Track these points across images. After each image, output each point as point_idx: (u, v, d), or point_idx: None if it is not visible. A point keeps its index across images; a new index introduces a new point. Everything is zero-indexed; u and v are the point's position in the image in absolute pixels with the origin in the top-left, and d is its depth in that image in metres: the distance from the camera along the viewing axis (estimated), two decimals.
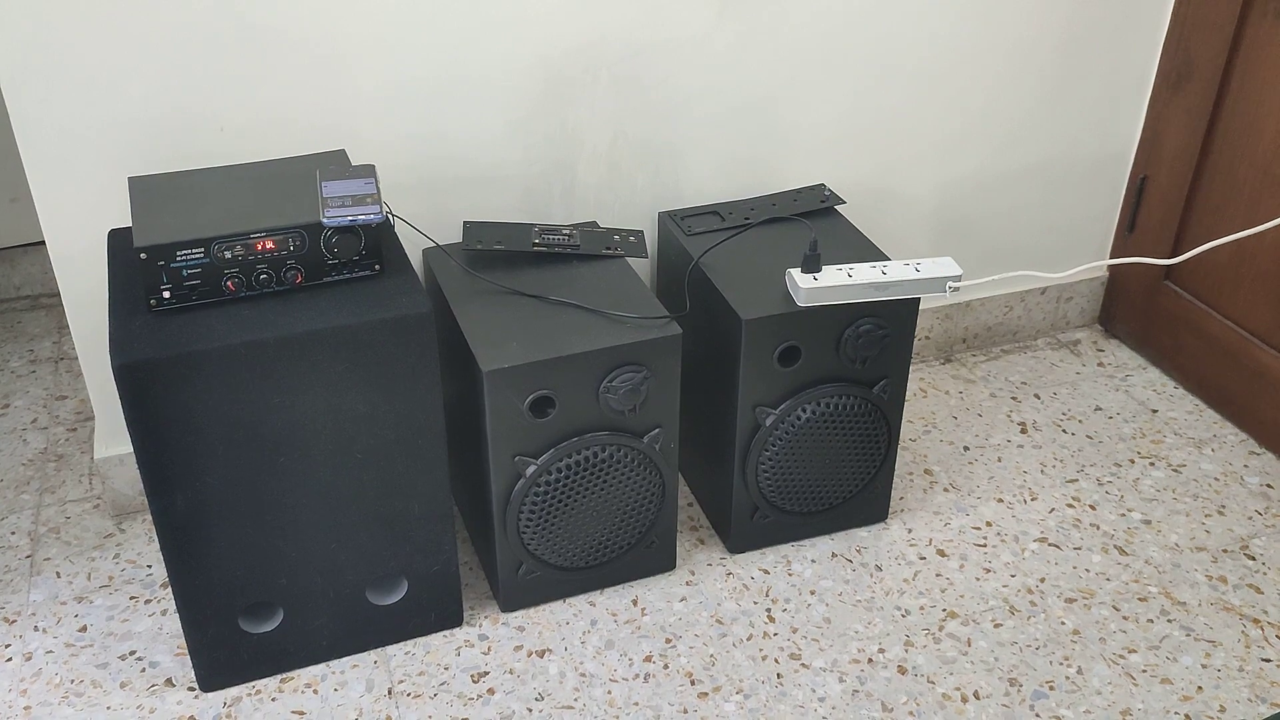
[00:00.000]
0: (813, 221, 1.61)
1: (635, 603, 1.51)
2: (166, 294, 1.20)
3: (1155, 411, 1.89)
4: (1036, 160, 1.90)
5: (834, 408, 1.49)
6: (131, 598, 1.50)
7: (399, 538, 1.36)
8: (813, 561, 1.58)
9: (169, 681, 1.39)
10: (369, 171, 1.29)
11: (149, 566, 1.55)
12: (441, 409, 1.30)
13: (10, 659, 1.41)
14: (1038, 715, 1.36)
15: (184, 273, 1.19)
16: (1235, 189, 1.79)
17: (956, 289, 1.44)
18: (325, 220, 1.21)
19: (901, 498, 1.69)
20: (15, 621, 1.46)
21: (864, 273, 1.42)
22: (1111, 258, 2.05)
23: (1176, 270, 1.93)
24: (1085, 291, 2.07)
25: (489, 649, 1.43)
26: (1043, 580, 1.55)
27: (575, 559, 1.47)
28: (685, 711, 1.36)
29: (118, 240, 1.35)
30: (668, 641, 1.45)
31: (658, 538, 1.52)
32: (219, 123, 1.43)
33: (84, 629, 1.46)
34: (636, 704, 1.36)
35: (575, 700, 1.37)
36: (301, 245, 1.23)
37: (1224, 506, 1.68)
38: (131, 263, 1.29)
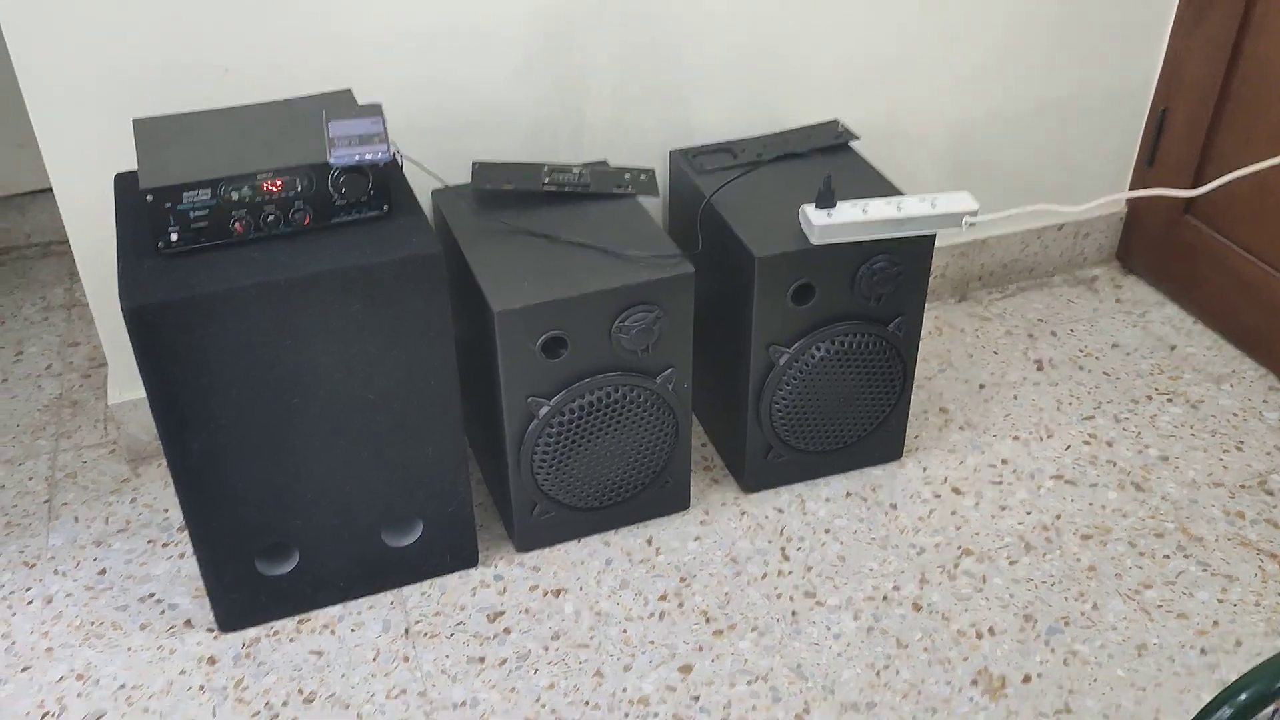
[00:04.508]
0: (826, 158, 1.59)
1: (649, 542, 1.51)
2: (174, 236, 1.19)
3: (1174, 348, 1.87)
4: (1054, 95, 1.86)
5: (848, 346, 1.48)
6: (149, 541, 1.51)
7: (413, 479, 1.36)
8: (827, 500, 1.57)
9: (188, 623, 1.40)
10: (376, 111, 1.27)
11: (165, 510, 1.56)
12: (453, 350, 1.29)
13: (31, 602, 1.43)
14: (1053, 650, 1.36)
15: (191, 215, 1.18)
16: (1259, 120, 1.75)
17: (973, 224, 1.41)
18: (332, 160, 1.20)
19: (916, 436, 1.68)
20: (35, 565, 1.48)
21: (879, 208, 1.40)
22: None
23: (1197, 204, 1.90)
24: (1103, 227, 2.04)
25: (504, 589, 1.44)
26: (1058, 517, 1.54)
27: (589, 499, 1.48)
28: (700, 649, 1.36)
29: (124, 184, 1.33)
30: (682, 580, 1.45)
31: (671, 478, 1.52)
32: (223, 64, 1.41)
33: (103, 572, 1.47)
34: (652, 642, 1.37)
35: (591, 639, 1.38)
36: (309, 185, 1.21)
37: (1242, 442, 1.67)
38: (139, 206, 1.28)
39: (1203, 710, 0.71)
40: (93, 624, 1.40)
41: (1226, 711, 0.70)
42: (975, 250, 1.97)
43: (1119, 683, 1.32)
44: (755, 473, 1.57)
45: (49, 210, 2.11)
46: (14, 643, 1.37)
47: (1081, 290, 2.02)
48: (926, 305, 1.96)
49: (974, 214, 1.41)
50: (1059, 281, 2.04)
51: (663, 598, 1.43)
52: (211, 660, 1.35)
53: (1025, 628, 1.39)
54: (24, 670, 1.34)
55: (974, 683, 1.32)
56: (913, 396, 1.74)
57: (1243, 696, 0.70)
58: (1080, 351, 1.86)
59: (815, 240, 1.39)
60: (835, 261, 1.43)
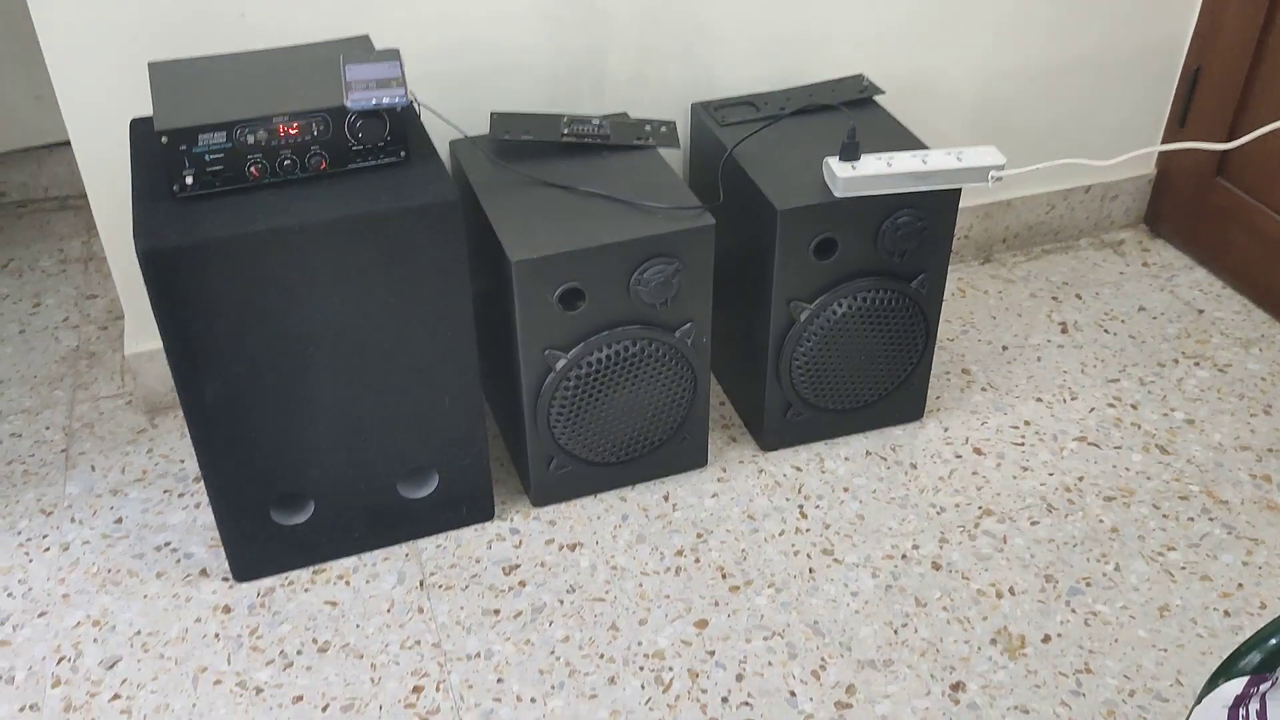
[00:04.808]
0: (851, 112, 1.56)
1: (666, 498, 1.50)
2: (189, 180, 1.18)
3: (1201, 311, 1.84)
4: (1085, 53, 1.83)
5: (871, 302, 1.46)
6: (165, 491, 1.51)
7: (429, 430, 1.35)
8: (846, 459, 1.56)
9: (204, 572, 1.40)
10: (393, 55, 1.26)
11: (182, 461, 1.56)
12: (470, 299, 1.28)
13: (48, 549, 1.43)
14: (1074, 610, 1.34)
15: (206, 158, 1.17)
16: None
17: (999, 179, 1.39)
18: (349, 103, 1.18)
19: (938, 397, 1.66)
20: (52, 513, 1.48)
21: (904, 161, 1.38)
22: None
23: (1229, 165, 1.86)
24: (1131, 189, 2.01)
25: (520, 543, 1.43)
26: (1081, 479, 1.52)
27: (606, 454, 1.46)
28: (717, 604, 1.35)
29: (140, 129, 1.32)
30: (699, 536, 1.44)
31: (689, 434, 1.50)
32: (240, 9, 1.39)
33: (119, 521, 1.47)
34: (668, 596, 1.36)
35: (606, 593, 1.37)
36: (325, 130, 1.20)
37: (1270, 406, 1.64)
38: (154, 151, 1.27)
39: (1232, 654, 0.70)
40: (109, 571, 1.40)
41: (1256, 657, 0.68)
42: (1000, 212, 1.94)
43: (1140, 643, 1.30)
44: (774, 431, 1.56)
45: (66, 163, 2.10)
46: (31, 588, 1.37)
47: (1108, 254, 1.99)
48: (950, 267, 1.93)
49: (1000, 168, 1.38)
50: (1085, 245, 2.01)
51: (679, 553, 1.42)
52: (226, 609, 1.35)
53: (1046, 588, 1.37)
54: (40, 615, 1.34)
55: (993, 641, 1.31)
56: (935, 357, 1.72)
57: (1272, 641, 0.68)
58: (1106, 315, 1.84)
59: (839, 193, 1.37)
60: (859, 216, 1.40)
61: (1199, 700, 0.73)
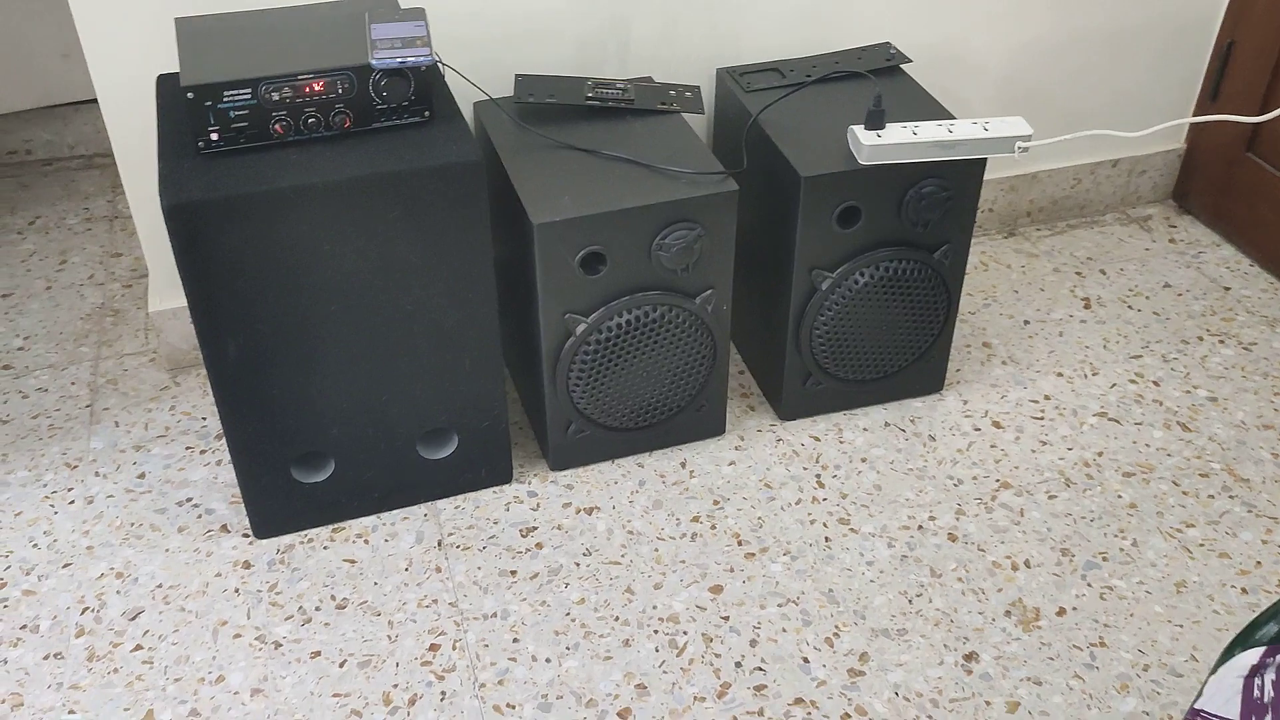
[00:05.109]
0: (877, 80, 1.55)
1: (683, 465, 1.50)
2: (214, 136, 1.18)
3: (1228, 289, 1.82)
4: (1116, 25, 1.80)
5: (893, 272, 1.45)
6: (187, 448, 1.53)
7: (449, 390, 1.35)
8: (864, 430, 1.56)
9: (224, 528, 1.41)
10: (419, 14, 1.25)
11: (204, 419, 1.57)
12: (491, 260, 1.28)
13: (73, 502, 1.44)
14: (1089, 585, 1.34)
15: (231, 114, 1.17)
16: None
17: (1026, 150, 1.37)
18: (374, 62, 1.18)
19: (958, 369, 1.66)
20: (77, 467, 1.49)
21: (929, 131, 1.37)
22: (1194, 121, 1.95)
23: (1260, 140, 1.83)
24: (1159, 165, 1.99)
25: (538, 505, 1.44)
26: (1100, 454, 1.52)
27: (624, 419, 1.47)
28: (732, 570, 1.36)
29: (166, 85, 1.32)
30: (715, 503, 1.45)
31: (707, 401, 1.50)
32: None
33: (142, 476, 1.48)
34: (684, 562, 1.37)
35: (622, 556, 1.37)
36: (350, 88, 1.20)
37: None
38: (180, 107, 1.28)
39: (1250, 624, 0.70)
40: (132, 525, 1.41)
41: (1273, 627, 0.68)
42: (1025, 185, 1.92)
43: (1156, 619, 1.30)
44: (793, 400, 1.55)
45: (93, 122, 2.11)
46: (56, 540, 1.39)
47: (1134, 229, 1.97)
48: (973, 240, 1.92)
49: (1027, 139, 1.37)
50: (1111, 220, 1.99)
51: (695, 519, 1.42)
52: (247, 564, 1.36)
53: (1062, 561, 1.37)
54: (65, 566, 1.36)
55: (1007, 613, 1.31)
56: (956, 330, 1.71)
57: None
58: (1130, 290, 1.82)
59: (863, 161, 1.36)
60: (883, 184, 1.39)
61: (1215, 670, 0.73)
